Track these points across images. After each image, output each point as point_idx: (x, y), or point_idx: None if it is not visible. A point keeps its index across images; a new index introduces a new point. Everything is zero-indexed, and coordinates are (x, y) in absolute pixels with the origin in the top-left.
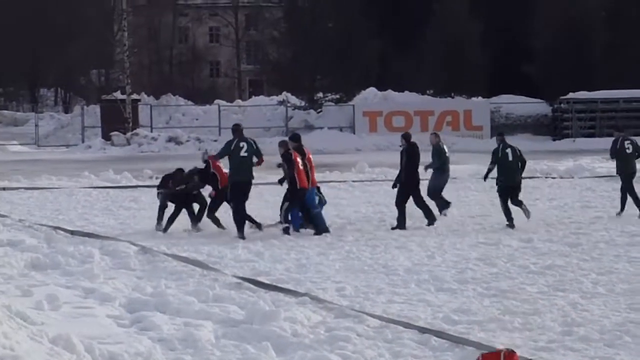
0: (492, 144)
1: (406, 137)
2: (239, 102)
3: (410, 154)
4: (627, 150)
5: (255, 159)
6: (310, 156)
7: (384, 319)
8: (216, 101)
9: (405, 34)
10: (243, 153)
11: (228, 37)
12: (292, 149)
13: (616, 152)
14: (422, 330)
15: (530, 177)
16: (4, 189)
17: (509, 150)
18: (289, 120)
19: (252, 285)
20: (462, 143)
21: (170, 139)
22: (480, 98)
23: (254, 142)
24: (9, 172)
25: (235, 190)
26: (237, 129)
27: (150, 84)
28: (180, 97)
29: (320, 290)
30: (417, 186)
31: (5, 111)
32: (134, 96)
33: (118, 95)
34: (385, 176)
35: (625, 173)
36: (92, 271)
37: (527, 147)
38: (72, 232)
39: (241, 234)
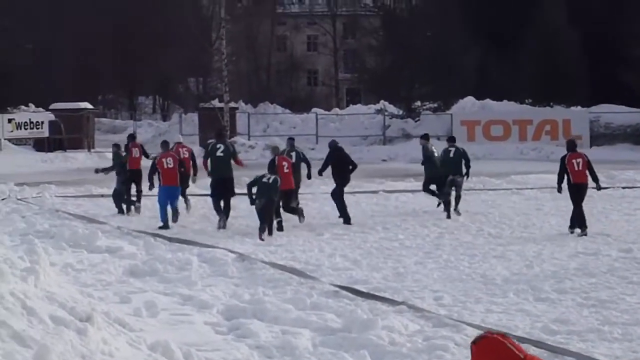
0: (591, 153)
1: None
2: (336, 110)
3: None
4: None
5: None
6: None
7: (482, 329)
8: (313, 109)
9: (503, 42)
10: (219, 154)
11: (326, 46)
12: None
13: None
14: (521, 340)
15: (631, 187)
16: (102, 195)
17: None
18: (387, 129)
19: (349, 294)
20: (560, 152)
21: (267, 147)
22: (579, 107)
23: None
24: (109, 179)
25: (213, 186)
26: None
27: (248, 92)
28: (277, 106)
29: (418, 299)
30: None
31: (104, 119)
32: (232, 104)
33: (216, 103)
34: (483, 185)
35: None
36: (189, 278)
37: (627, 156)
38: (170, 239)
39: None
